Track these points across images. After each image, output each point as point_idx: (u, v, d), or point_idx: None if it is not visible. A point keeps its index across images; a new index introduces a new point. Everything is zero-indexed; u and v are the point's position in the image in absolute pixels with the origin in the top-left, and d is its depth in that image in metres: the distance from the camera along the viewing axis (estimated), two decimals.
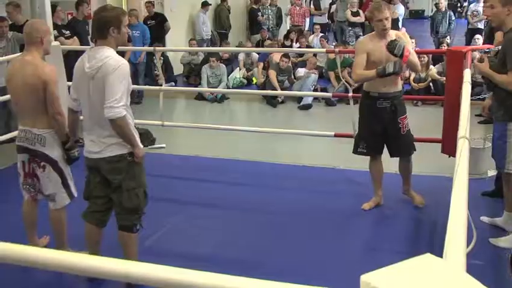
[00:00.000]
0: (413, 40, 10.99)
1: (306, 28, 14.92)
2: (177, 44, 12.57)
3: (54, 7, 8.53)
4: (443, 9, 12.74)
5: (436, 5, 13.51)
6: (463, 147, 2.62)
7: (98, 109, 3.46)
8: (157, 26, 11.37)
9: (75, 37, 8.67)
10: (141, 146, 3.61)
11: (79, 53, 3.64)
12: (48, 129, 3.92)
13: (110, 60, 3.43)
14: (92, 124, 3.57)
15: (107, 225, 3.83)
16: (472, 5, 13.27)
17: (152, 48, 8.52)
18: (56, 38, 7.91)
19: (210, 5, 13.67)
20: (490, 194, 5.20)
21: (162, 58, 11.03)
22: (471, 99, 3.93)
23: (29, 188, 4.15)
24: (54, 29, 8.07)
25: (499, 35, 6.87)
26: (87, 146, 3.63)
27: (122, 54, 4.41)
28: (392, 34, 4.77)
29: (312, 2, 15.95)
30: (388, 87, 4.79)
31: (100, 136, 3.54)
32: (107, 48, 3.49)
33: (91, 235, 3.82)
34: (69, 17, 9.88)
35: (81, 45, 8.27)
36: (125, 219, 3.68)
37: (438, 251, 1.58)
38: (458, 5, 24.54)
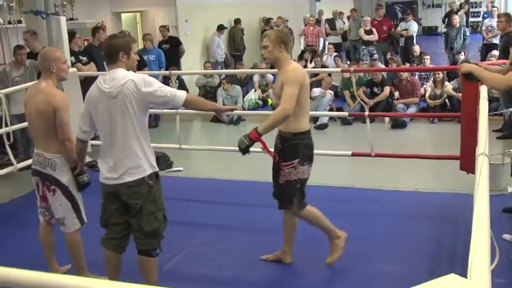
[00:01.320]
0: (428, 56, 10.96)
1: (320, 48, 14.98)
2: (192, 67, 12.67)
3: (73, 34, 8.67)
4: (458, 25, 12.71)
5: (444, 21, 13.48)
6: (482, 164, 2.60)
7: (120, 127, 3.49)
8: (172, 50, 11.50)
9: (92, 63, 8.77)
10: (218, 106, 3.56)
11: (96, 79, 3.68)
12: (59, 154, 3.97)
13: (132, 76, 3.50)
14: (110, 148, 3.57)
15: (126, 250, 3.82)
16: (486, 20, 13.24)
17: (168, 72, 8.58)
18: (73, 64, 8.02)
19: (226, 28, 13.79)
20: (510, 210, 5.13)
21: (177, 81, 11.10)
22: (488, 115, 3.91)
23: (44, 212, 4.20)
24: (71, 56, 8.19)
25: None
26: (104, 172, 3.62)
27: None
28: (288, 67, 4.12)
29: (326, 22, 16.09)
30: (283, 124, 4.09)
31: (118, 160, 3.53)
32: (122, 69, 3.55)
33: (110, 261, 3.81)
34: (86, 43, 10.01)
35: (97, 70, 8.36)
36: (144, 244, 3.67)
37: (460, 269, 1.56)
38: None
